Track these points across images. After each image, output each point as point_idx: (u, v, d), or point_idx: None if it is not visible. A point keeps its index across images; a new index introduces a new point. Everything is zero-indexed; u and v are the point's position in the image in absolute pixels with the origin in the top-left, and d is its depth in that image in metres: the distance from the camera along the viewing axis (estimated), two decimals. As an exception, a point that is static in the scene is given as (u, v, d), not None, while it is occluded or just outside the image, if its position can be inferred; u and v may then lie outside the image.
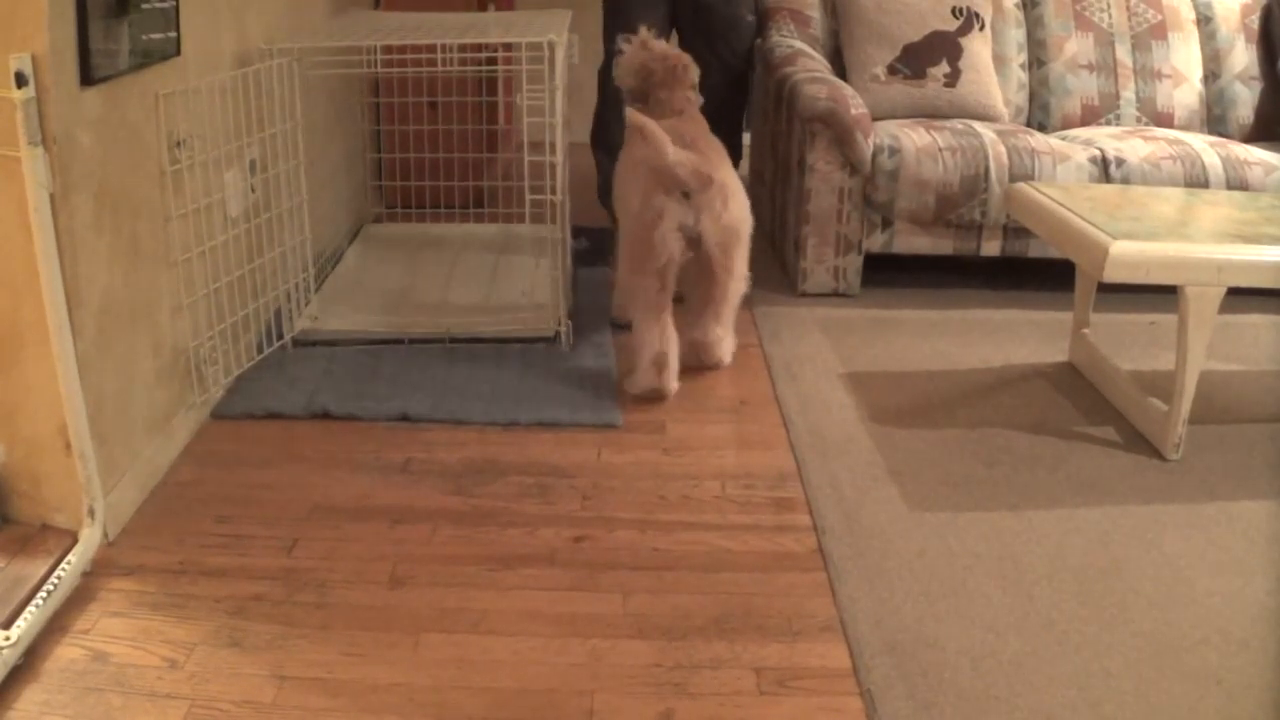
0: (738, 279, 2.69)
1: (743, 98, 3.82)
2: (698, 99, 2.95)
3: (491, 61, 3.78)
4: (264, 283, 2.71)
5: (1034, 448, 2.47)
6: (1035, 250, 3.32)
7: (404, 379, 2.69)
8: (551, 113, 2.72)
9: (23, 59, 1.79)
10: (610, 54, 3.44)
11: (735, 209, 2.61)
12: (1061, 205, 2.61)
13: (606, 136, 3.63)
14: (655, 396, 2.63)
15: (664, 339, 2.60)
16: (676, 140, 2.58)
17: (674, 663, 1.76)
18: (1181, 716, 1.66)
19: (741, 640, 1.82)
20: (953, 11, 3.63)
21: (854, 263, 3.34)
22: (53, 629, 1.79)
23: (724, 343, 2.80)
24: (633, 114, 2.64)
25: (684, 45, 3.47)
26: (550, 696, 1.69)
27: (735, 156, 3.47)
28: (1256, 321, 3.18)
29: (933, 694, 1.69)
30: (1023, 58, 3.77)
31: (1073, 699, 1.69)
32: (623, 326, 2.90)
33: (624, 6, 3.53)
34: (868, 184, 3.28)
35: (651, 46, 2.96)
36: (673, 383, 2.64)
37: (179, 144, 2.29)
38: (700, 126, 2.84)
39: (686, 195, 2.52)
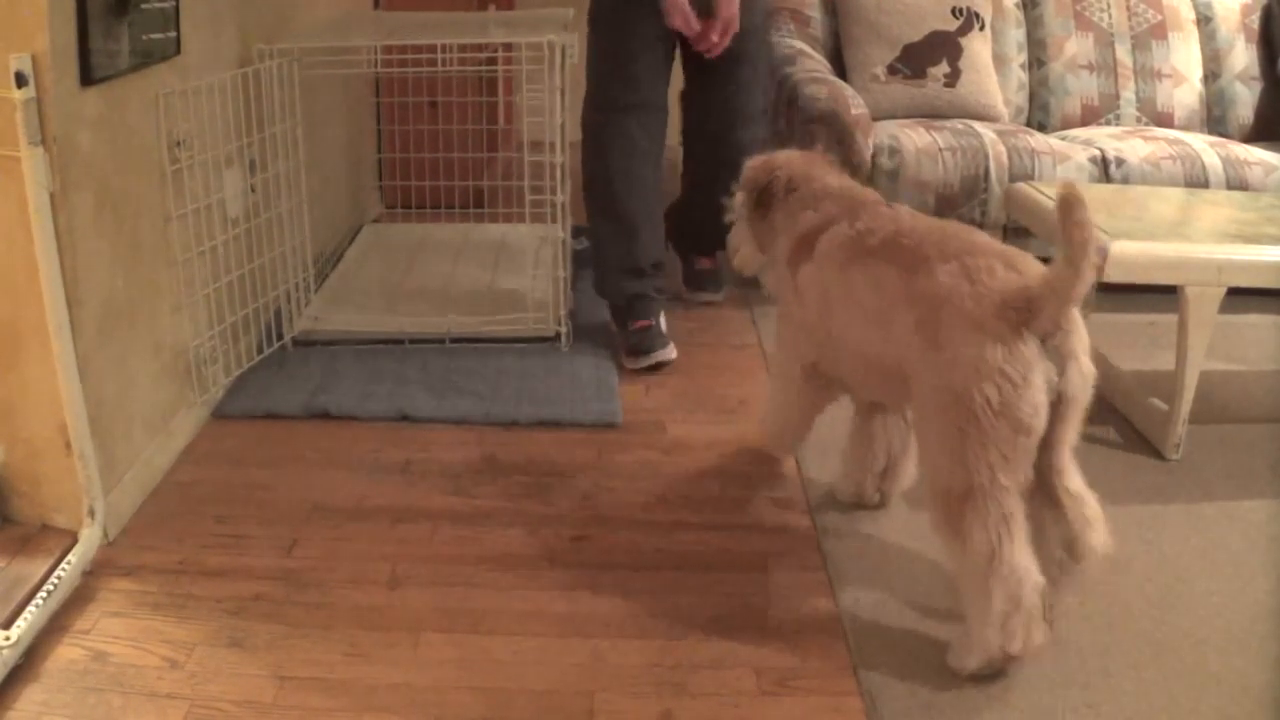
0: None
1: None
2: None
3: (491, 61, 3.78)
4: (264, 283, 2.71)
5: (1034, 448, 2.46)
6: (1035, 250, 3.26)
7: (404, 379, 2.68)
8: (553, 112, 2.72)
9: (23, 59, 1.79)
10: (599, 97, 2.87)
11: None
12: (1061, 205, 2.61)
13: (605, 197, 2.89)
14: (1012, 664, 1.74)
15: (1035, 567, 1.69)
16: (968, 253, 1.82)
17: (674, 663, 1.76)
18: (1181, 716, 1.66)
19: (741, 640, 1.82)
20: (953, 11, 3.63)
21: (854, 263, 3.33)
22: (53, 629, 1.79)
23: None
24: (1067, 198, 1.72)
25: (690, 87, 3.03)
26: (550, 696, 1.69)
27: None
28: (1256, 321, 3.17)
29: (933, 694, 1.69)
30: (1023, 58, 3.77)
31: (1073, 699, 1.69)
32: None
33: (624, 44, 2.82)
34: (868, 184, 3.28)
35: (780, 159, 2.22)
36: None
37: (179, 144, 2.29)
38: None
39: (1042, 338, 1.70)
